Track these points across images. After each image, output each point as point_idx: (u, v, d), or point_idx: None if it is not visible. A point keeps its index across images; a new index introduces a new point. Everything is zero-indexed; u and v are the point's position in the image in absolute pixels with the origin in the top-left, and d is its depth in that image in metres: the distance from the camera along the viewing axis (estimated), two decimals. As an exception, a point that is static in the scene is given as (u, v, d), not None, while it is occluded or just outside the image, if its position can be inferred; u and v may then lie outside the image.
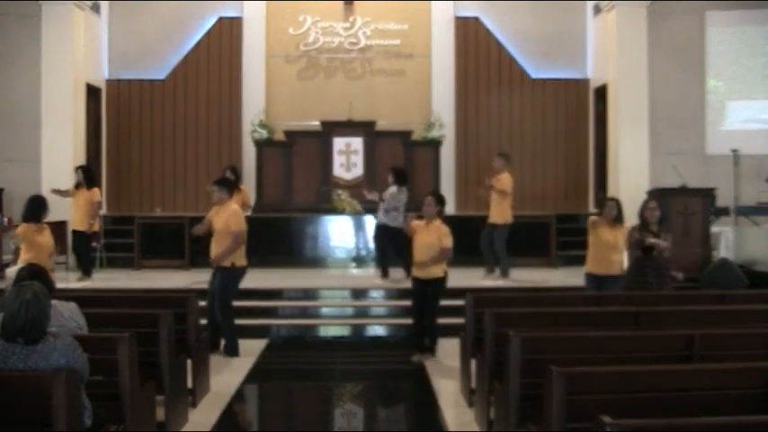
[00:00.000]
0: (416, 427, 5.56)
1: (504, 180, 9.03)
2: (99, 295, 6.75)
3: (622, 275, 6.56)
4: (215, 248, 6.92)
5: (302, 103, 12.32)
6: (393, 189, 8.97)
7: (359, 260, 10.70)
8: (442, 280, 6.77)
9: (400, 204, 8.96)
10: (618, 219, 6.53)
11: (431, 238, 6.66)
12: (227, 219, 6.88)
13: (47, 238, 6.71)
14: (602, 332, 4.66)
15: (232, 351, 6.97)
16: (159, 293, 7.44)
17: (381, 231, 9.09)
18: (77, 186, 9.25)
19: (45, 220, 6.82)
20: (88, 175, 9.31)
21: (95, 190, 9.34)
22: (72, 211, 9.31)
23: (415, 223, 6.80)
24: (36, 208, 6.73)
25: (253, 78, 12.34)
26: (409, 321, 7.13)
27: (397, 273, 9.08)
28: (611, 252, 6.51)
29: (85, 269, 9.32)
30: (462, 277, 8.83)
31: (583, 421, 3.12)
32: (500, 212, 9.04)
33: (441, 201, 6.88)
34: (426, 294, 6.74)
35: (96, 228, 9.49)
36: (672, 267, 6.47)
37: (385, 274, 9.12)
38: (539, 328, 4.76)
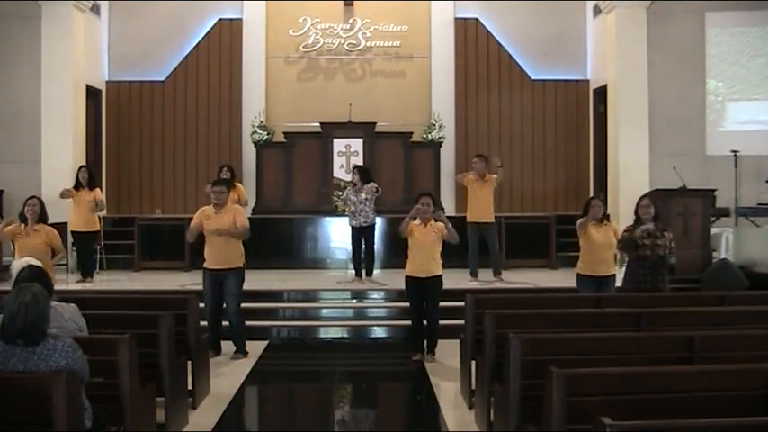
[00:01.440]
0: (416, 427, 5.55)
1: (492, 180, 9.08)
2: (99, 297, 6.74)
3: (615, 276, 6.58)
4: (220, 249, 6.76)
5: (302, 105, 12.32)
6: (373, 185, 9.05)
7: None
8: (441, 277, 6.76)
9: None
10: (604, 217, 6.57)
11: (430, 237, 6.65)
12: (236, 217, 6.83)
13: (36, 240, 6.66)
14: (603, 333, 4.66)
15: (244, 350, 7.00)
16: (159, 295, 7.44)
17: (373, 231, 9.20)
18: (77, 187, 9.25)
19: (32, 222, 6.76)
20: (91, 175, 9.35)
21: (98, 190, 9.37)
22: (72, 213, 9.29)
23: (413, 224, 6.76)
24: (22, 208, 6.79)
25: (253, 80, 12.35)
26: (409, 322, 7.11)
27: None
28: (604, 252, 6.51)
29: (86, 271, 9.32)
30: (462, 278, 8.86)
31: (583, 422, 3.11)
32: (490, 211, 9.07)
33: (434, 201, 6.88)
34: (425, 294, 6.73)
35: (98, 227, 9.50)
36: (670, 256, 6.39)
37: (360, 274, 9.27)
38: (539, 330, 4.75)
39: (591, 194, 12.30)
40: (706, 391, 3.36)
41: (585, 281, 6.56)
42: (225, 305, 6.92)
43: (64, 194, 9.15)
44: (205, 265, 6.92)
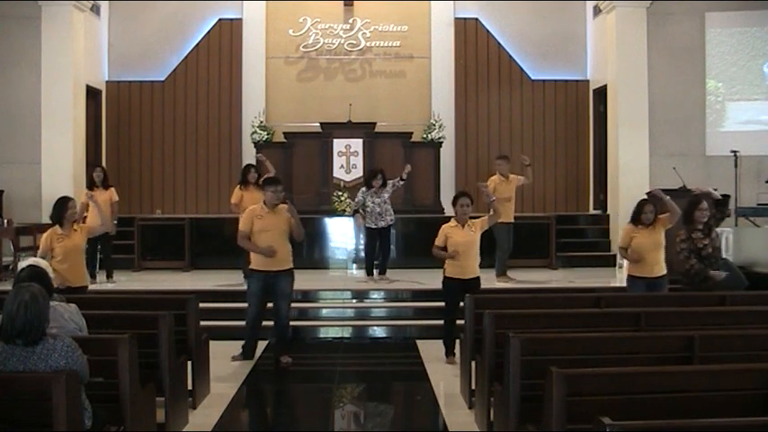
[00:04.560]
0: (416, 427, 5.55)
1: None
2: (99, 297, 6.73)
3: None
4: (276, 248, 6.43)
5: (302, 105, 12.34)
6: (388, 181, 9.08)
7: (359, 262, 10.67)
8: (480, 278, 6.66)
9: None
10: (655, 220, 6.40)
11: (471, 237, 6.55)
12: (294, 216, 6.55)
13: (77, 239, 6.11)
14: (602, 333, 4.66)
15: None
16: (159, 295, 7.44)
17: (390, 231, 9.22)
18: (91, 188, 9.10)
19: (69, 223, 6.12)
20: (106, 175, 9.31)
21: (113, 190, 9.31)
22: (89, 213, 9.13)
23: (450, 228, 6.60)
24: (54, 210, 6.10)
25: (253, 80, 12.36)
26: (409, 323, 7.09)
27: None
28: (655, 253, 6.37)
29: (108, 270, 9.34)
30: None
31: (583, 422, 3.11)
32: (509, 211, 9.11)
33: (472, 201, 6.76)
34: (467, 293, 6.64)
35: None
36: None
37: (372, 273, 9.26)
38: (538, 330, 4.76)
39: (591, 195, 12.33)
40: (706, 391, 3.36)
41: (637, 282, 6.41)
42: (275, 306, 6.67)
43: (87, 201, 8.76)
44: (253, 266, 6.61)
